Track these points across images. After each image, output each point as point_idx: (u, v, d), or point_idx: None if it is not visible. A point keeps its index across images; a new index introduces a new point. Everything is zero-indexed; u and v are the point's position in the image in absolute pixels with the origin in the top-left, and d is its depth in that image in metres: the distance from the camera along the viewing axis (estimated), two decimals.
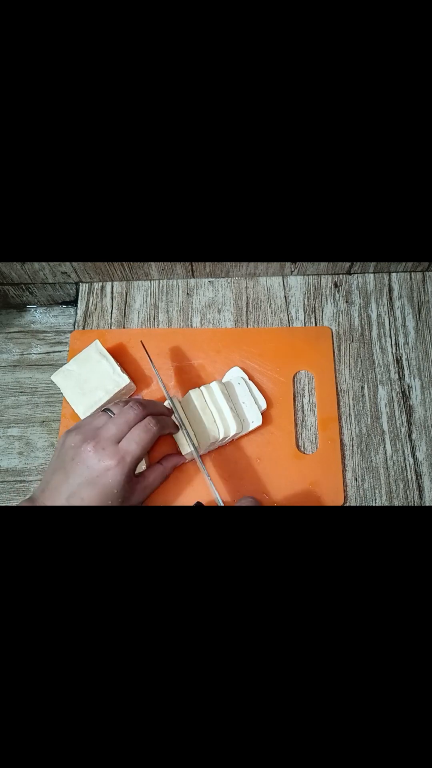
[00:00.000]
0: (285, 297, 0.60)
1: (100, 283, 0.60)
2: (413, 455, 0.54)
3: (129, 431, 0.44)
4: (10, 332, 0.60)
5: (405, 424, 0.55)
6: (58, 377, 0.54)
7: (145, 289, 0.60)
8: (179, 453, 0.51)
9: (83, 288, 0.60)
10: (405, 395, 0.56)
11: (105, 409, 0.47)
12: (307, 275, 0.61)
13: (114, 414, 0.46)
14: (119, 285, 0.60)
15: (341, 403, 0.56)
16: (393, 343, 0.58)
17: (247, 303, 0.60)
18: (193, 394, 0.51)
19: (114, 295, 0.60)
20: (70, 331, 0.59)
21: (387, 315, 0.59)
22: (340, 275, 0.61)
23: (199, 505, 0.48)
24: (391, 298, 0.60)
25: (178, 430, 0.50)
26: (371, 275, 0.61)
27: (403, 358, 0.57)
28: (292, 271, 0.60)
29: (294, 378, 0.56)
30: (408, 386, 0.56)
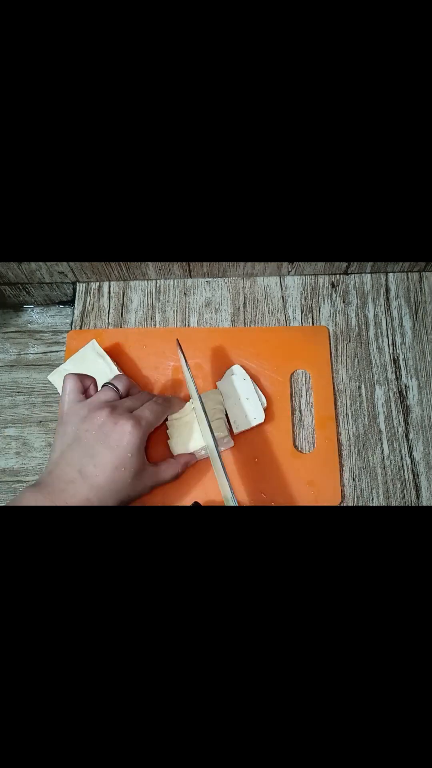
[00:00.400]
0: (282, 297, 0.60)
1: (98, 283, 0.60)
2: (410, 455, 0.54)
3: (141, 405, 0.46)
4: (6, 332, 0.60)
5: (402, 423, 0.55)
6: (55, 377, 0.54)
7: (143, 289, 0.60)
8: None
9: (80, 288, 0.60)
10: (402, 395, 0.56)
11: (106, 384, 0.47)
12: (305, 275, 0.61)
13: (118, 386, 0.47)
14: (116, 285, 0.60)
15: (338, 403, 0.56)
16: (390, 343, 0.58)
17: (244, 303, 0.60)
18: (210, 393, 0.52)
19: (111, 295, 0.60)
20: (67, 331, 0.59)
21: (384, 315, 0.59)
22: (337, 275, 0.61)
23: (196, 505, 0.48)
24: (388, 298, 0.60)
25: (180, 407, 0.51)
26: (368, 275, 0.61)
27: (400, 358, 0.57)
28: (289, 271, 0.60)
29: (291, 377, 0.56)
30: (405, 386, 0.57)
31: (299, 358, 0.57)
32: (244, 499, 0.51)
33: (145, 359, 0.56)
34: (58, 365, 0.55)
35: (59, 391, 0.53)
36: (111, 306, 0.60)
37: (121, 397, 0.47)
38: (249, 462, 0.53)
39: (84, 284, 0.60)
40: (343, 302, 0.60)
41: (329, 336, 0.58)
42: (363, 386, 0.56)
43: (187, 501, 0.51)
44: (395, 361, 0.57)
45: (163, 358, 0.56)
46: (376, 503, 0.53)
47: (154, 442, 0.53)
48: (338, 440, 0.54)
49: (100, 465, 0.42)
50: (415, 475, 0.54)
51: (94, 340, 0.54)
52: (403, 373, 0.57)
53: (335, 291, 0.60)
